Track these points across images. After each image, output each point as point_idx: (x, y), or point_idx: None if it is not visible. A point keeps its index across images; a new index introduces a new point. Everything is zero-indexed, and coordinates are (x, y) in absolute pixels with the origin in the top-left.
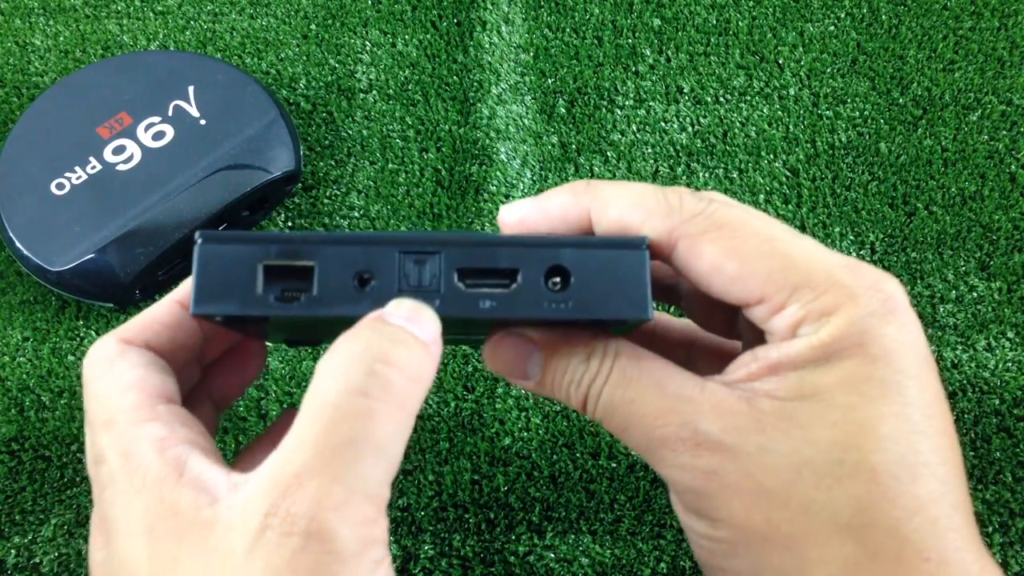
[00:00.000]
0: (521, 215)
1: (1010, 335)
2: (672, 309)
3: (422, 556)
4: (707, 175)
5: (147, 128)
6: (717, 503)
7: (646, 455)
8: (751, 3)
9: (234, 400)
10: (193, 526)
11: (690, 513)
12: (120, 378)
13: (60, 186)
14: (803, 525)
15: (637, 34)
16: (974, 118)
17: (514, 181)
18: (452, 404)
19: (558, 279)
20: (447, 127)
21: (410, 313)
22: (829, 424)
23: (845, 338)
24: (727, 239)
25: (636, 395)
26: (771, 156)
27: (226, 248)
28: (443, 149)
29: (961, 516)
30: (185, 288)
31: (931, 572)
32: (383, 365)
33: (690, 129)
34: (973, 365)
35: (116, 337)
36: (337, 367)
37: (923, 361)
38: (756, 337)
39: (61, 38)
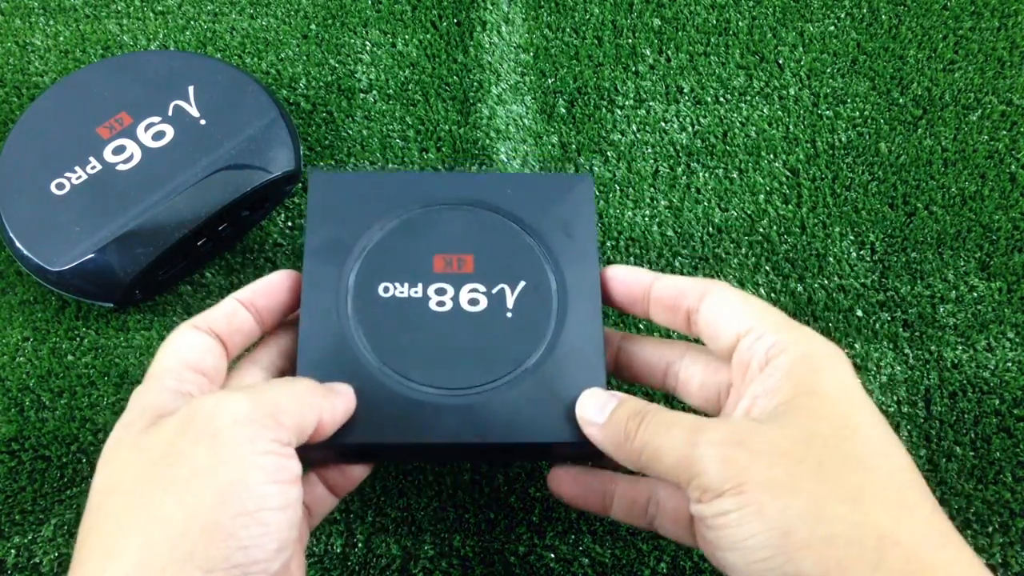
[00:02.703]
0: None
1: (1010, 335)
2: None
3: (422, 556)
4: (707, 175)
5: (147, 128)
6: (743, 469)
7: (677, 470)
8: (751, 3)
9: None
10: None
11: (715, 500)
12: (169, 349)
13: (60, 186)
14: (818, 474)
15: (637, 34)
16: (974, 118)
17: None
18: None
19: None
20: (447, 127)
21: None
22: (827, 412)
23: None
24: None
25: (665, 430)
26: (771, 156)
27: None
28: (443, 149)
29: (927, 493)
30: (247, 289)
31: (926, 517)
32: None
33: (690, 129)
34: (973, 365)
35: (188, 323)
36: None
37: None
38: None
39: (61, 38)
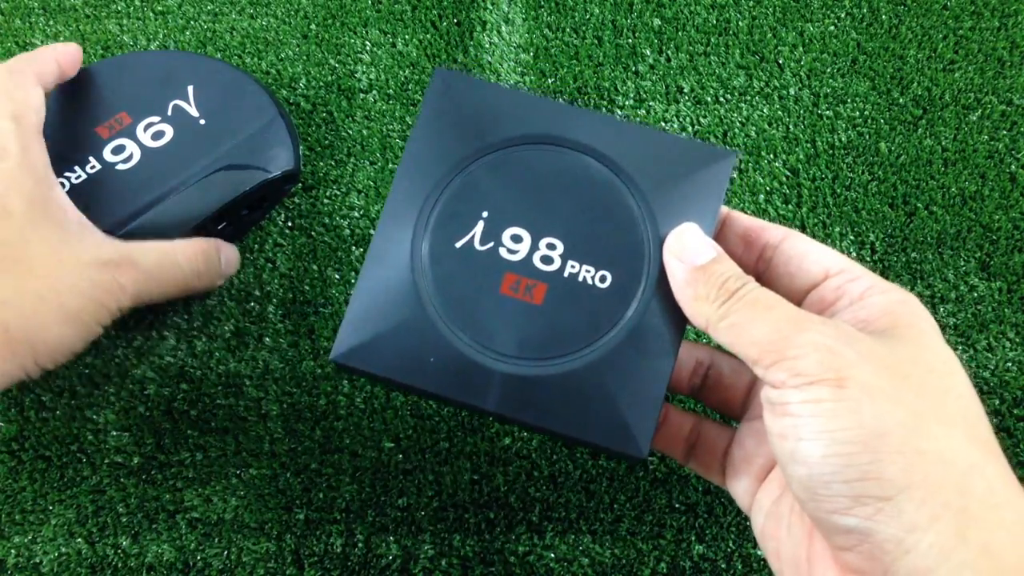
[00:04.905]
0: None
1: (1010, 335)
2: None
3: (422, 556)
4: None
5: (147, 128)
6: (848, 365)
7: (765, 345)
8: (751, 3)
9: None
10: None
11: (808, 386)
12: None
13: (60, 186)
14: (920, 395)
15: (637, 34)
16: (974, 118)
17: None
18: None
19: None
20: None
21: None
22: (930, 345)
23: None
24: None
25: (766, 307)
26: (771, 156)
27: None
28: None
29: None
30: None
31: (1007, 466)
32: None
33: (690, 129)
34: (973, 365)
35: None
36: None
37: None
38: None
39: (61, 38)
